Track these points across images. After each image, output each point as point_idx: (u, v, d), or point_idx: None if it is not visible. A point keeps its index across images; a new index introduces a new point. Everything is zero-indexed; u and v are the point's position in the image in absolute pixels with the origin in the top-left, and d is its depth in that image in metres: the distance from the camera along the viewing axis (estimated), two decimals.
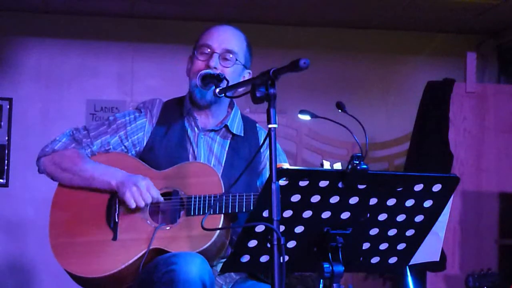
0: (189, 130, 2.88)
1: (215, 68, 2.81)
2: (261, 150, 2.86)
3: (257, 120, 3.06)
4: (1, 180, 6.19)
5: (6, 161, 6.19)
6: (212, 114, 2.90)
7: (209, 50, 2.85)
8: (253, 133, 2.95)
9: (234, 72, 2.86)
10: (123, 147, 2.89)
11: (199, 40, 2.91)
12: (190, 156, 2.84)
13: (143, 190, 2.70)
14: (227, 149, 2.88)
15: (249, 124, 2.97)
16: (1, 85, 6.24)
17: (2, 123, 6.22)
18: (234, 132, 2.90)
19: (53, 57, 6.32)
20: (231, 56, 2.85)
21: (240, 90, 2.63)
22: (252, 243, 2.19)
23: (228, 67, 2.84)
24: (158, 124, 2.89)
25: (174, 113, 2.91)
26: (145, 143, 2.88)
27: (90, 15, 6.30)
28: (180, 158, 2.81)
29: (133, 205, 2.71)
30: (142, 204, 2.71)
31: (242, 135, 2.92)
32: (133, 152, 2.89)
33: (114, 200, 2.77)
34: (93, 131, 2.91)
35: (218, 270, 2.70)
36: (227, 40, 2.87)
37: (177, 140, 2.86)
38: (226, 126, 2.90)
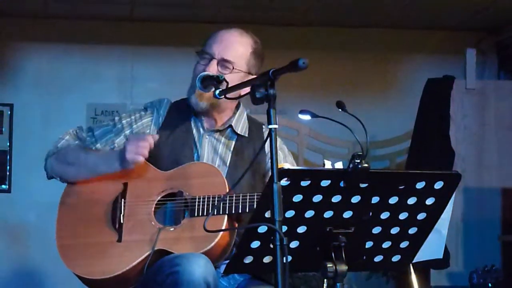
0: (194, 131, 2.88)
1: None
2: (266, 152, 2.86)
3: None
4: (4, 186, 6.19)
5: (8, 167, 6.20)
6: (217, 115, 2.89)
7: (208, 56, 2.85)
8: (258, 134, 2.94)
9: (233, 80, 2.78)
10: None
11: (204, 44, 2.90)
12: (195, 157, 2.84)
13: (134, 148, 2.69)
14: (231, 150, 2.88)
15: (255, 125, 2.96)
16: (2, 91, 6.25)
17: (3, 129, 6.23)
18: (238, 132, 2.90)
19: (53, 62, 6.33)
20: (228, 64, 2.84)
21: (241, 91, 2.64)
22: (255, 244, 2.19)
23: (226, 74, 2.82)
24: (164, 124, 2.89)
25: (181, 114, 2.90)
26: None
27: (90, 19, 6.31)
28: (184, 158, 2.81)
29: (141, 160, 2.70)
30: (141, 158, 2.70)
31: (247, 135, 2.91)
32: None
33: (120, 201, 2.78)
34: (97, 130, 2.91)
35: (222, 272, 2.70)
36: (226, 48, 2.84)
37: (182, 141, 2.86)
38: (230, 127, 2.90)
